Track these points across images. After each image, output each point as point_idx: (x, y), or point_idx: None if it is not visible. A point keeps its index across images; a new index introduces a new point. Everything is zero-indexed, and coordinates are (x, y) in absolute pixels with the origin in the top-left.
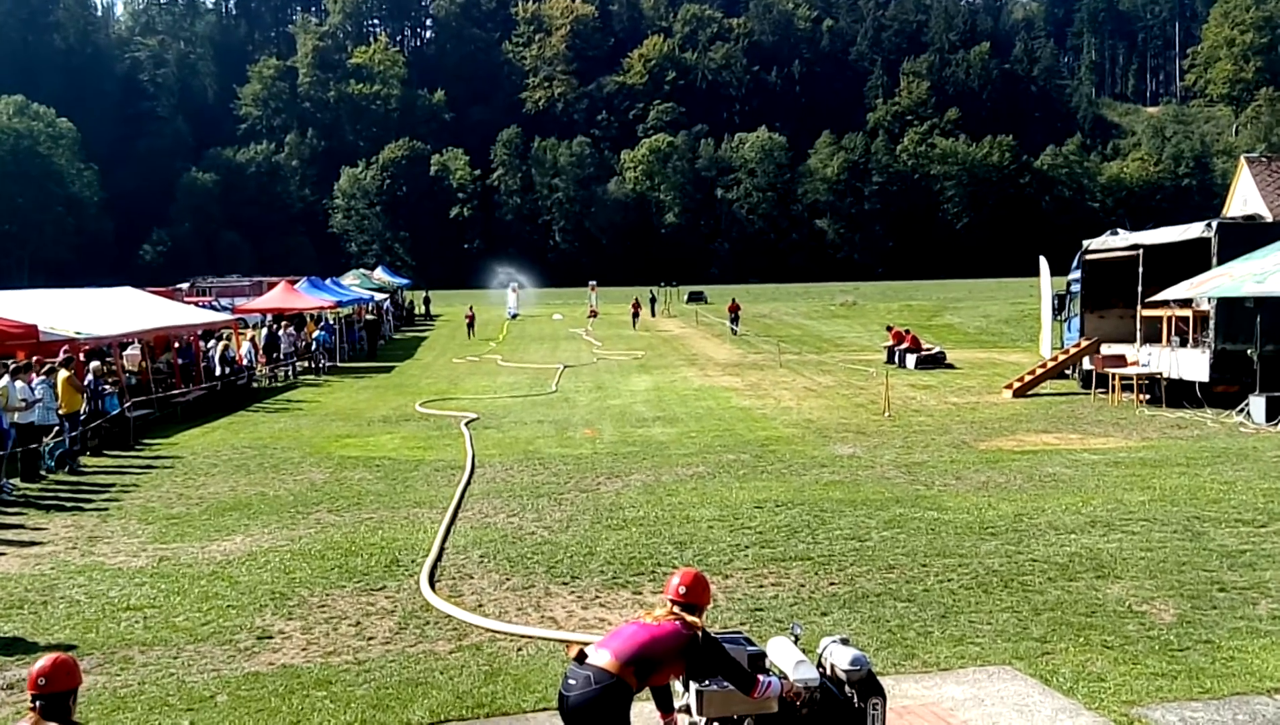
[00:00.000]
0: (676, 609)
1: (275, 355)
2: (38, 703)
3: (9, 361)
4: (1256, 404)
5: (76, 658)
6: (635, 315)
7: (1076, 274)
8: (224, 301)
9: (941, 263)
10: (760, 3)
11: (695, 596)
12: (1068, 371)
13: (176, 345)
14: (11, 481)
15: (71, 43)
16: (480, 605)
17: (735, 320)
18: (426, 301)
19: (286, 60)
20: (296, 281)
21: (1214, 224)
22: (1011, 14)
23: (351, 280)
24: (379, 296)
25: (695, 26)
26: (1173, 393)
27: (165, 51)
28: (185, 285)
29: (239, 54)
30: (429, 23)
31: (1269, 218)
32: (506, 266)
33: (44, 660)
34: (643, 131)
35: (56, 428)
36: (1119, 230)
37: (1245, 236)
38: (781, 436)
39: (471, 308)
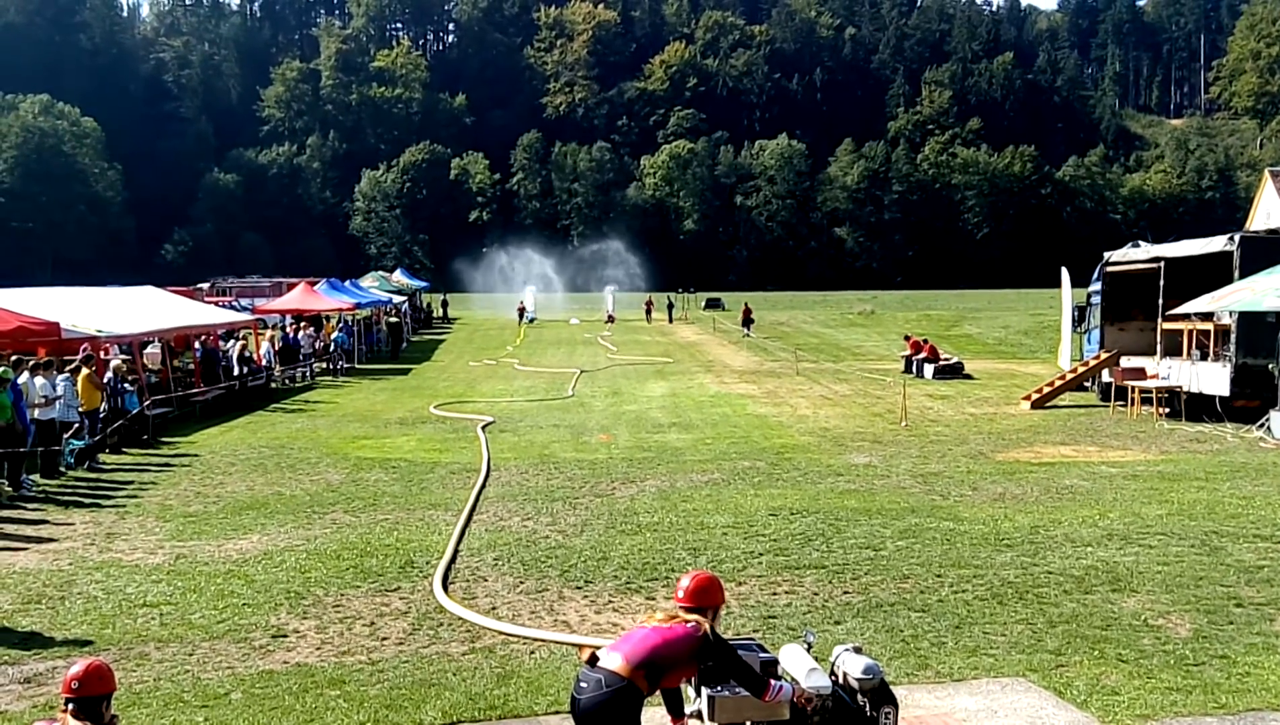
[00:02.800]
0: (688, 611)
1: (296, 356)
2: (70, 705)
3: (30, 358)
4: (1277, 419)
5: (80, 656)
6: (648, 313)
7: (1097, 286)
8: (244, 302)
9: (961, 273)
10: (782, 10)
11: (707, 598)
12: (1087, 384)
13: (198, 344)
14: (32, 477)
15: (97, 43)
16: (494, 608)
17: (747, 323)
18: (444, 304)
19: (309, 63)
20: (316, 283)
21: (1236, 237)
22: (1035, 24)
23: (370, 282)
24: (397, 299)
25: (717, 33)
26: (1192, 406)
27: (190, 53)
28: (206, 285)
29: (262, 56)
30: (451, 27)
31: None
32: (526, 266)
33: (79, 665)
34: (663, 137)
35: (76, 425)
36: (1140, 242)
37: (1268, 250)
38: (797, 444)
39: (522, 302)
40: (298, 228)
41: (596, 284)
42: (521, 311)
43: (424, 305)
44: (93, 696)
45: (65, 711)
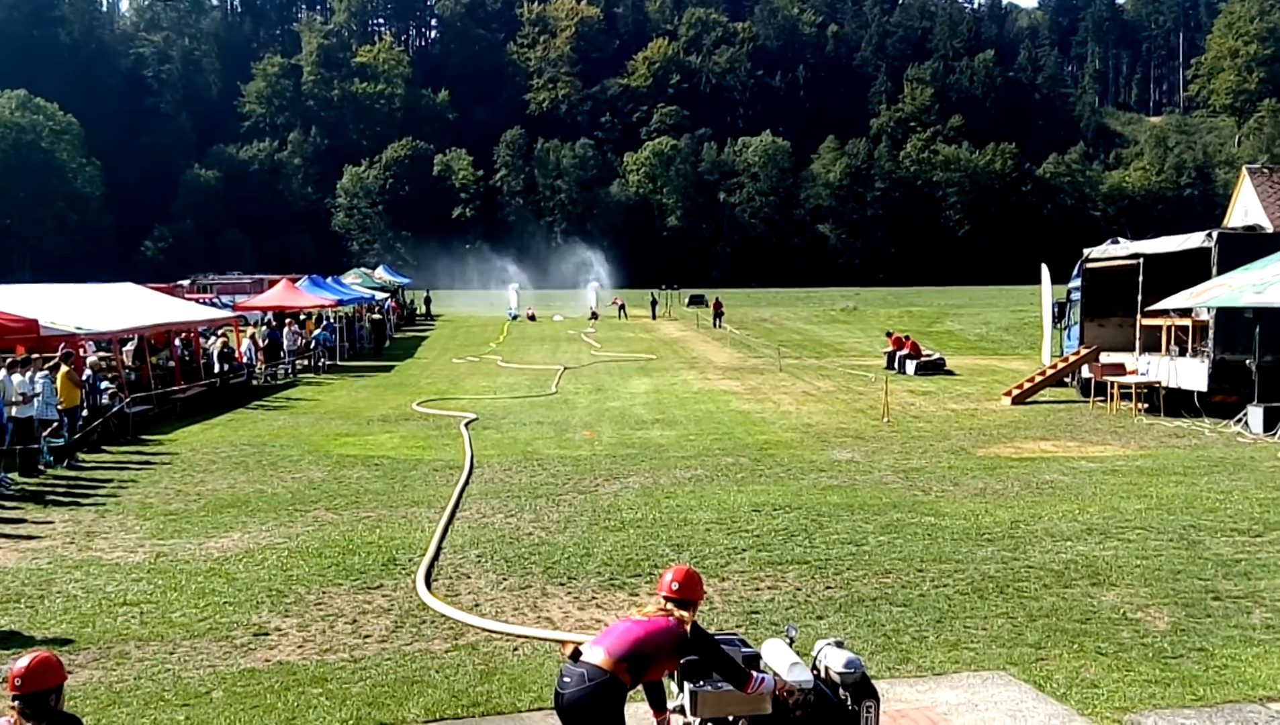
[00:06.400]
0: (669, 605)
1: (280, 353)
2: (17, 703)
3: (8, 356)
4: (1254, 414)
5: (60, 654)
6: (621, 308)
7: (1077, 282)
8: (225, 299)
9: (943, 269)
10: (765, 7)
11: (688, 592)
12: (1067, 379)
13: (178, 341)
14: (10, 476)
15: (76, 38)
16: (477, 605)
17: (718, 316)
18: (427, 301)
19: (291, 58)
20: (298, 279)
21: (1214, 234)
22: (1016, 22)
23: (353, 279)
24: (380, 295)
25: (700, 30)
26: (1171, 402)
27: (170, 48)
28: (186, 282)
29: (243, 51)
30: (434, 22)
31: (1269, 228)
32: (508, 266)
33: (22, 660)
34: (646, 134)
35: (55, 423)
36: (1120, 239)
37: (1245, 247)
38: (780, 441)
39: (532, 309)
40: (279, 224)
41: (581, 280)
42: (531, 316)
43: (407, 302)
44: (38, 692)
45: (14, 710)
